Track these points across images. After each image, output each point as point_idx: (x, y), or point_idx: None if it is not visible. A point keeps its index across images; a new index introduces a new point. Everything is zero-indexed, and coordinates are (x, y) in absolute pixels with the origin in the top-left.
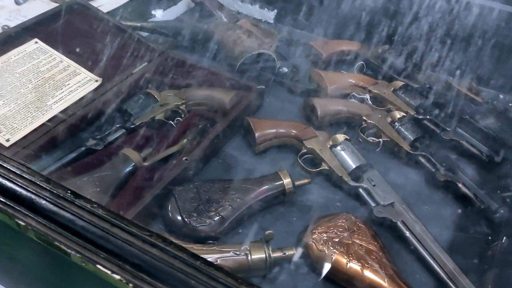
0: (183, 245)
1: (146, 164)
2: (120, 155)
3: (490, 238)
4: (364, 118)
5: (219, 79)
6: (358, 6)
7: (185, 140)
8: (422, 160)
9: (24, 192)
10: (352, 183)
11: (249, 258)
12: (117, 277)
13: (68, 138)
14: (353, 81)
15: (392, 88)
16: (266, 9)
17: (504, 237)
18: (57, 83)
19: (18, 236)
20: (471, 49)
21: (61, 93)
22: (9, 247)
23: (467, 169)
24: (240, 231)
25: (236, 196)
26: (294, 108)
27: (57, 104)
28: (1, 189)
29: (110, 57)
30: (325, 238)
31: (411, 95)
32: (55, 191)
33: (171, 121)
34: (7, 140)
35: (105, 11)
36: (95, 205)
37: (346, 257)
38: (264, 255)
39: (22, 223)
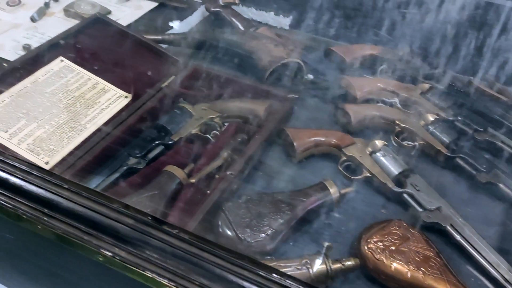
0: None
1: (192, 181)
2: (164, 172)
3: None
4: (397, 122)
5: (250, 89)
6: (375, 8)
7: (225, 153)
8: (461, 162)
9: (107, 220)
10: (397, 189)
11: (310, 271)
12: None
13: (108, 157)
14: (382, 86)
15: (420, 91)
16: (281, 15)
17: None
18: (88, 102)
19: (103, 269)
20: (489, 46)
21: (93, 111)
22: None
23: (505, 169)
24: (291, 243)
25: (285, 209)
26: (324, 116)
27: (90, 123)
28: (84, 219)
29: (137, 72)
30: (382, 247)
31: (439, 97)
32: (138, 217)
33: (207, 135)
34: (46, 163)
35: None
36: (177, 230)
37: (405, 265)
38: (325, 268)
39: (109, 254)
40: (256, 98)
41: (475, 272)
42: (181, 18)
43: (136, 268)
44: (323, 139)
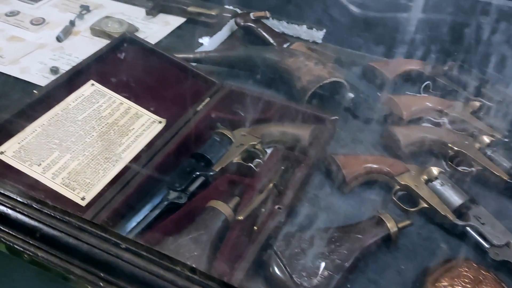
0: None
1: (240, 218)
2: (208, 209)
3: None
4: (450, 145)
5: (289, 111)
6: (415, 21)
7: (271, 184)
8: None
9: (142, 272)
10: (459, 222)
11: None
12: None
13: (146, 191)
14: (430, 104)
15: (470, 109)
16: (314, 29)
17: None
18: (121, 129)
19: None
20: None
21: (128, 139)
22: None
23: None
24: (348, 286)
25: (341, 247)
26: (367, 138)
27: (126, 153)
28: (111, 268)
29: (169, 94)
30: None
31: (493, 116)
32: (178, 270)
33: (250, 163)
34: (83, 199)
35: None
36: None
37: None
38: None
39: None
40: (297, 120)
41: None
42: (210, 34)
43: None
44: (375, 166)
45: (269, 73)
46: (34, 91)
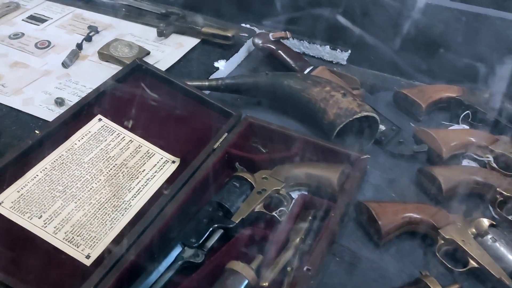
0: None
1: (265, 285)
2: (228, 272)
3: None
4: (499, 190)
5: (315, 149)
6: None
7: (297, 239)
8: None
9: None
10: None
11: None
12: None
13: (159, 246)
14: (472, 139)
15: None
16: (338, 50)
17: None
18: (131, 171)
19: None
20: None
21: (138, 183)
22: None
23: None
24: None
25: None
26: (401, 178)
27: (135, 200)
28: None
29: (184, 129)
30: None
31: None
32: None
33: (274, 213)
34: (88, 257)
35: (163, 68)
36: None
37: None
38: None
39: None
40: (323, 159)
41: None
42: (226, 56)
43: None
44: (415, 216)
45: (291, 103)
46: (36, 131)
